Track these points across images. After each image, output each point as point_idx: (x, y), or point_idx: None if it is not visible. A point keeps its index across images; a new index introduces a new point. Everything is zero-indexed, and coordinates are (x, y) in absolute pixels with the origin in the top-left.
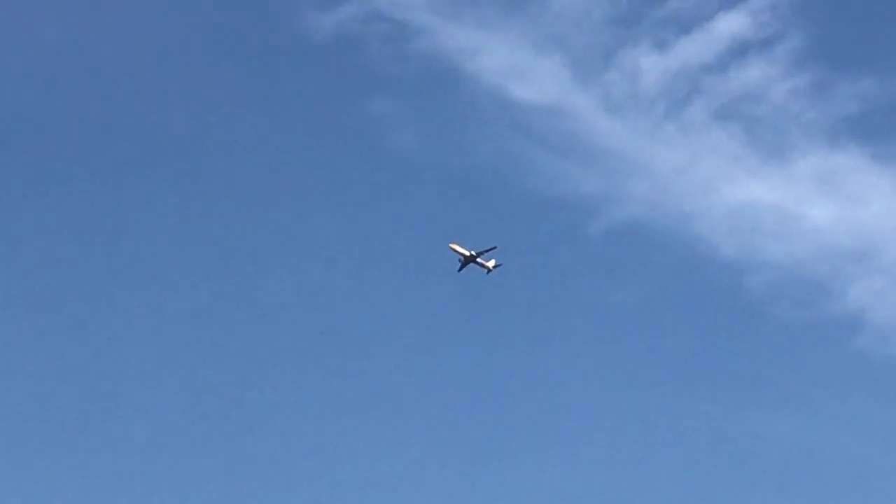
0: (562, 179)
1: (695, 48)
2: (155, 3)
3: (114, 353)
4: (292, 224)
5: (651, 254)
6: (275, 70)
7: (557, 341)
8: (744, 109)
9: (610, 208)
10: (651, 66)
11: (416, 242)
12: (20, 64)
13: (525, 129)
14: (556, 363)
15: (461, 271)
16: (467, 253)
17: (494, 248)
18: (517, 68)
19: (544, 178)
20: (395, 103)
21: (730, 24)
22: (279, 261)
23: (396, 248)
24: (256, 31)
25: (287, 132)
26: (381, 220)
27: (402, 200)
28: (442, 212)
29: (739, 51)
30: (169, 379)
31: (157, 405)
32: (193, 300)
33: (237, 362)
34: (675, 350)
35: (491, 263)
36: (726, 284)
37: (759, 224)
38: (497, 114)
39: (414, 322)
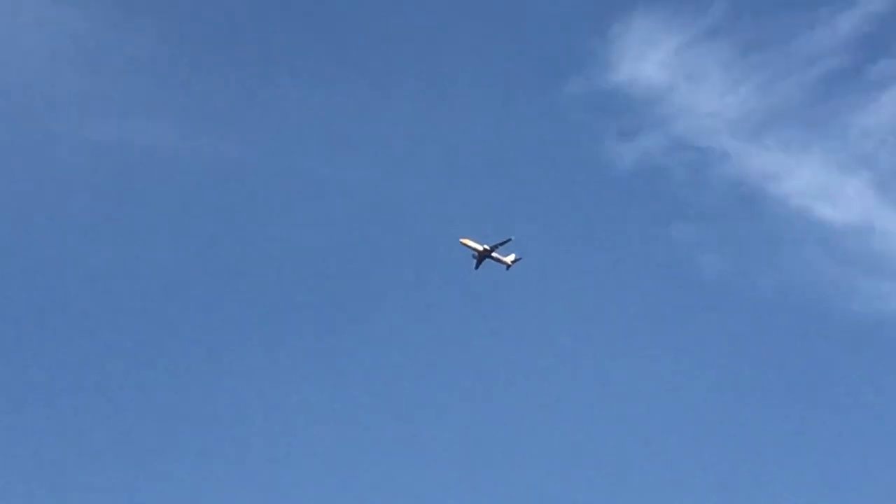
0: (874, 298)
1: None
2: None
3: None
4: (599, 349)
5: None
6: (579, 200)
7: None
8: None
9: None
10: None
11: (725, 368)
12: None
13: (833, 249)
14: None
15: (478, 268)
16: (480, 248)
17: (510, 240)
18: (823, 188)
19: (855, 298)
20: (699, 229)
21: None
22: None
23: (709, 379)
24: (560, 163)
25: (591, 262)
26: (692, 347)
27: (711, 325)
28: (752, 336)
29: None
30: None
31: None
32: None
33: None
34: None
35: (510, 259)
36: None
37: None
38: (804, 235)
39: None
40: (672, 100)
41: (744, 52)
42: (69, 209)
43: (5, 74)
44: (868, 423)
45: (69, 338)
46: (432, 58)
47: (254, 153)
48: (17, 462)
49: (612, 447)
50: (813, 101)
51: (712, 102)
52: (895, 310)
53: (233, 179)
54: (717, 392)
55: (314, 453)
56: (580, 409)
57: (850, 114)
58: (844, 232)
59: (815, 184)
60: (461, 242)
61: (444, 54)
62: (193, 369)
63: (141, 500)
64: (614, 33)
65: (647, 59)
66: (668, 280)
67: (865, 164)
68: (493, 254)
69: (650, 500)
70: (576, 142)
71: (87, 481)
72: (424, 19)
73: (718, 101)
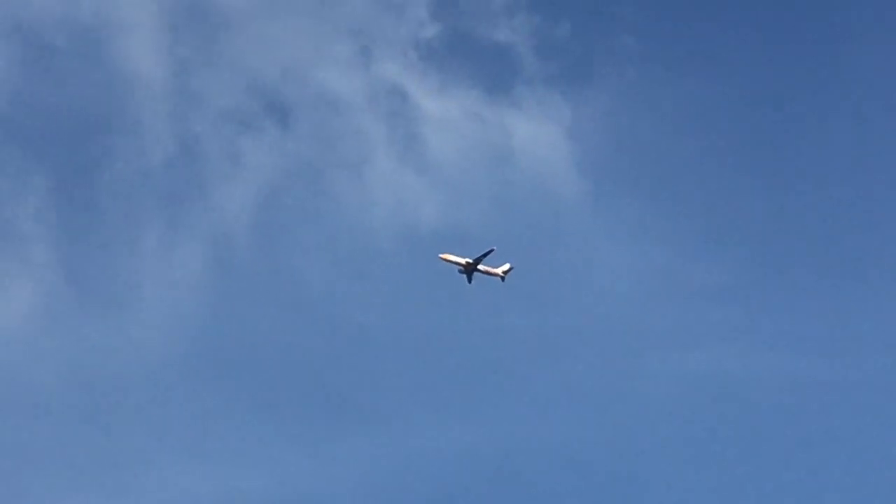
0: None
1: None
2: None
3: None
4: None
5: None
6: None
7: None
8: None
9: None
10: None
11: None
12: None
13: None
14: None
15: (471, 283)
16: (463, 261)
17: (492, 250)
18: None
19: None
20: None
21: None
22: None
23: None
24: None
25: None
26: None
27: None
28: None
29: None
30: None
31: None
32: None
33: None
34: None
35: (501, 270)
36: None
37: None
38: None
39: None
40: None
41: None
42: (670, 440)
43: (600, 311)
44: None
45: None
46: None
47: (854, 374)
48: None
49: None
50: None
51: None
52: None
53: (830, 403)
54: None
55: None
56: None
57: None
58: None
59: None
60: (441, 258)
61: None
62: None
63: None
64: None
65: None
66: None
67: None
68: (480, 266)
69: None
70: None
71: None
72: None
73: None
